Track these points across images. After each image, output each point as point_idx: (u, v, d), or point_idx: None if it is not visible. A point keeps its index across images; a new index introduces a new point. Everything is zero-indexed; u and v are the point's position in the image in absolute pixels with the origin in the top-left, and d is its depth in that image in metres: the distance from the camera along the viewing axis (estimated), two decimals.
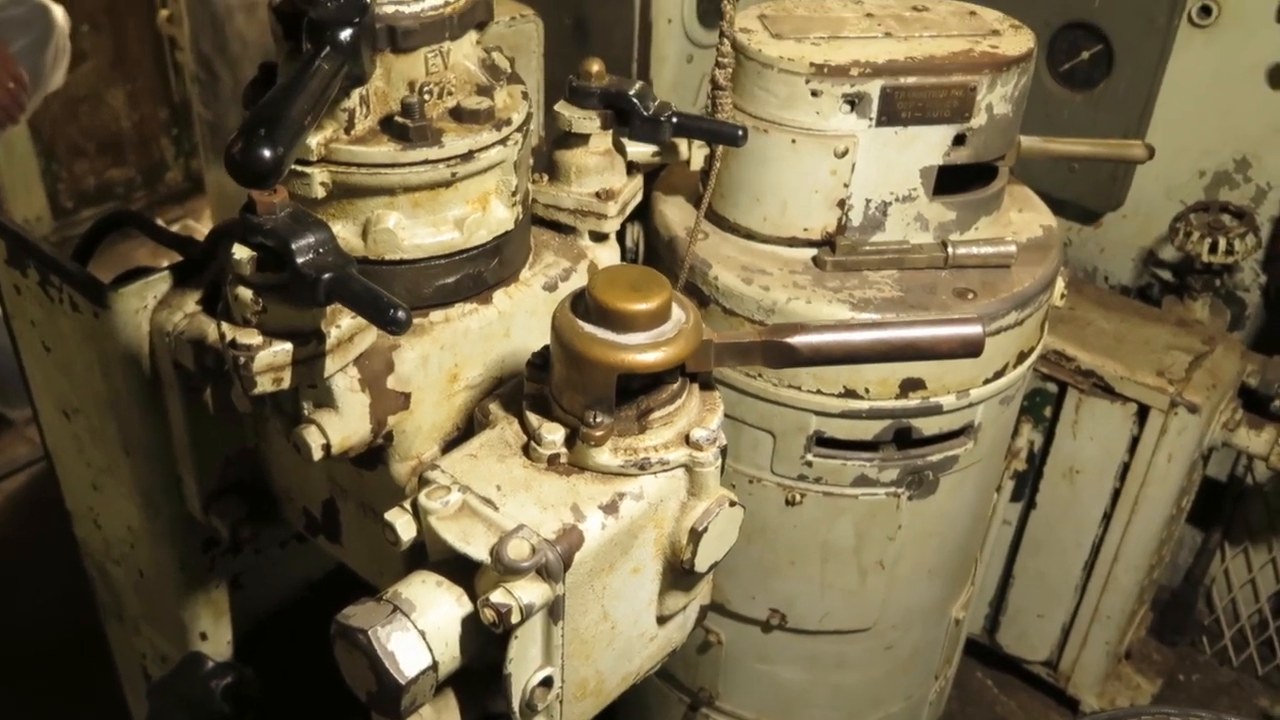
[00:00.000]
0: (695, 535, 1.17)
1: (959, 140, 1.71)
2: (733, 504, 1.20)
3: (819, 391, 1.73)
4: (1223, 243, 2.49)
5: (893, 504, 1.83)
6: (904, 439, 1.78)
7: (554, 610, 1.10)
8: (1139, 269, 2.91)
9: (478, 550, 1.07)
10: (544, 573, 1.07)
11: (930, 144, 1.70)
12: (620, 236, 1.83)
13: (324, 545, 1.46)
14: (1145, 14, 2.59)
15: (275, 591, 1.75)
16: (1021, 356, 1.82)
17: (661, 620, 1.27)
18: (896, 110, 1.66)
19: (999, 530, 2.57)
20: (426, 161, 1.17)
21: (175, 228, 4.85)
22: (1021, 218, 1.91)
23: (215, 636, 1.68)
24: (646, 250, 1.91)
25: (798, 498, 1.83)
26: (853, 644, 2.03)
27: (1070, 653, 2.82)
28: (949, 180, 1.75)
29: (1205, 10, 2.55)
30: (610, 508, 1.11)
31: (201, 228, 4.81)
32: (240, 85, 2.56)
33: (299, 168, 1.15)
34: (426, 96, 1.18)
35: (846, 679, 2.10)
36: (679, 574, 1.22)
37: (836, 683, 2.11)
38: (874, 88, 1.64)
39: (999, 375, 1.78)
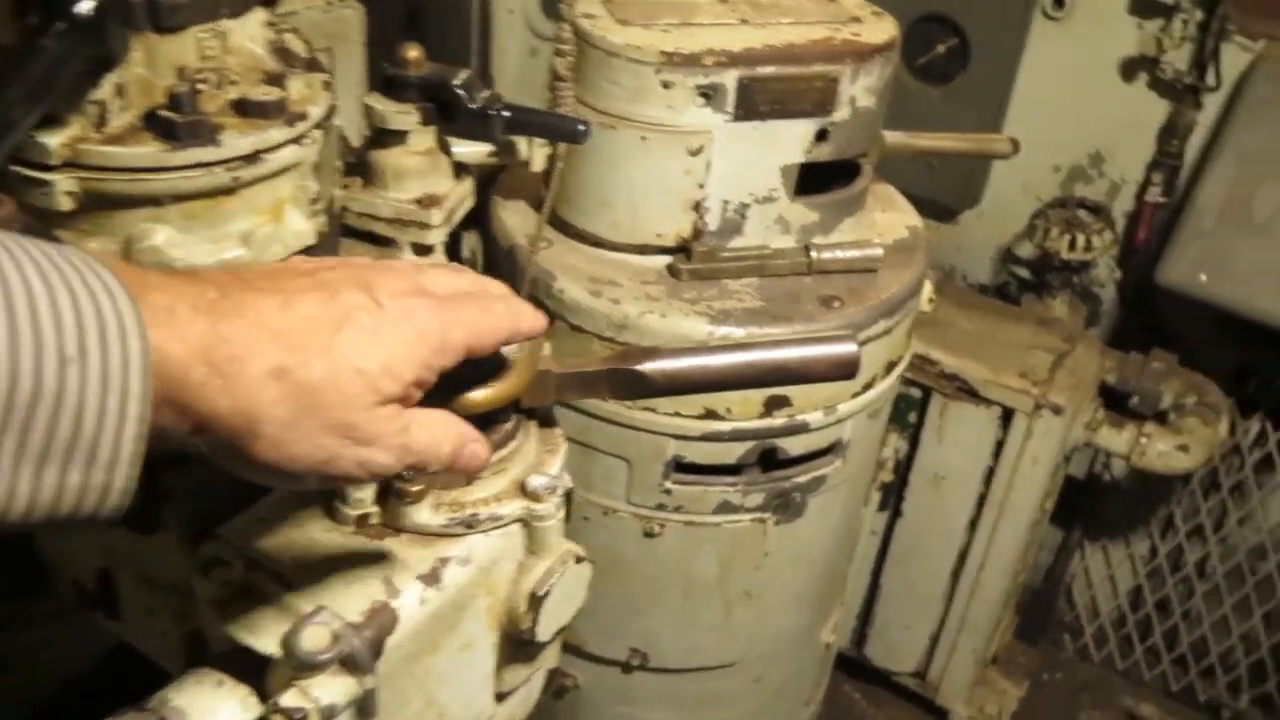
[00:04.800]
0: (536, 601, 1.00)
1: (821, 136, 1.57)
2: (579, 559, 1.03)
3: (677, 413, 1.57)
4: (1081, 239, 2.45)
5: (759, 530, 1.69)
6: (769, 461, 1.64)
7: (364, 708, 0.91)
8: (997, 267, 2.85)
9: (266, 642, 0.88)
10: (349, 664, 0.88)
11: (791, 140, 1.56)
12: (454, 247, 1.65)
13: (102, 622, 1.24)
14: (1000, 6, 2.53)
15: (58, 669, 1.51)
16: (890, 366, 1.70)
17: (501, 697, 1.10)
18: (755, 103, 1.52)
19: (865, 542, 2.47)
20: (200, 164, 0.97)
21: None
22: (886, 218, 1.79)
23: None
24: (485, 261, 1.72)
25: (657, 529, 1.68)
26: (720, 680, 1.89)
27: (939, 662, 2.75)
28: (810, 180, 1.61)
29: (1058, 2, 2.50)
30: (431, 577, 0.93)
31: None
32: None
33: (35, 174, 0.94)
34: (200, 86, 0.98)
35: (714, 716, 1.96)
36: (519, 644, 1.04)
37: None
38: (730, 79, 1.49)
39: (868, 388, 1.66)
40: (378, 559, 0.93)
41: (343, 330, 0.75)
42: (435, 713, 0.99)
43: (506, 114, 1.21)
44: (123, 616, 1.21)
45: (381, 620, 0.90)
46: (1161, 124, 2.48)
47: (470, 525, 0.96)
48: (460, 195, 1.27)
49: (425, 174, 1.23)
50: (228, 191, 0.99)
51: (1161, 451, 2.38)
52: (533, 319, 0.90)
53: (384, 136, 1.22)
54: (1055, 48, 2.55)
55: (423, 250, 1.25)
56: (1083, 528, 2.94)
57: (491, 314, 0.85)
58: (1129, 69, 2.49)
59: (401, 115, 1.20)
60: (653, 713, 1.94)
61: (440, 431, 0.83)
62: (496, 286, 0.92)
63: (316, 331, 0.74)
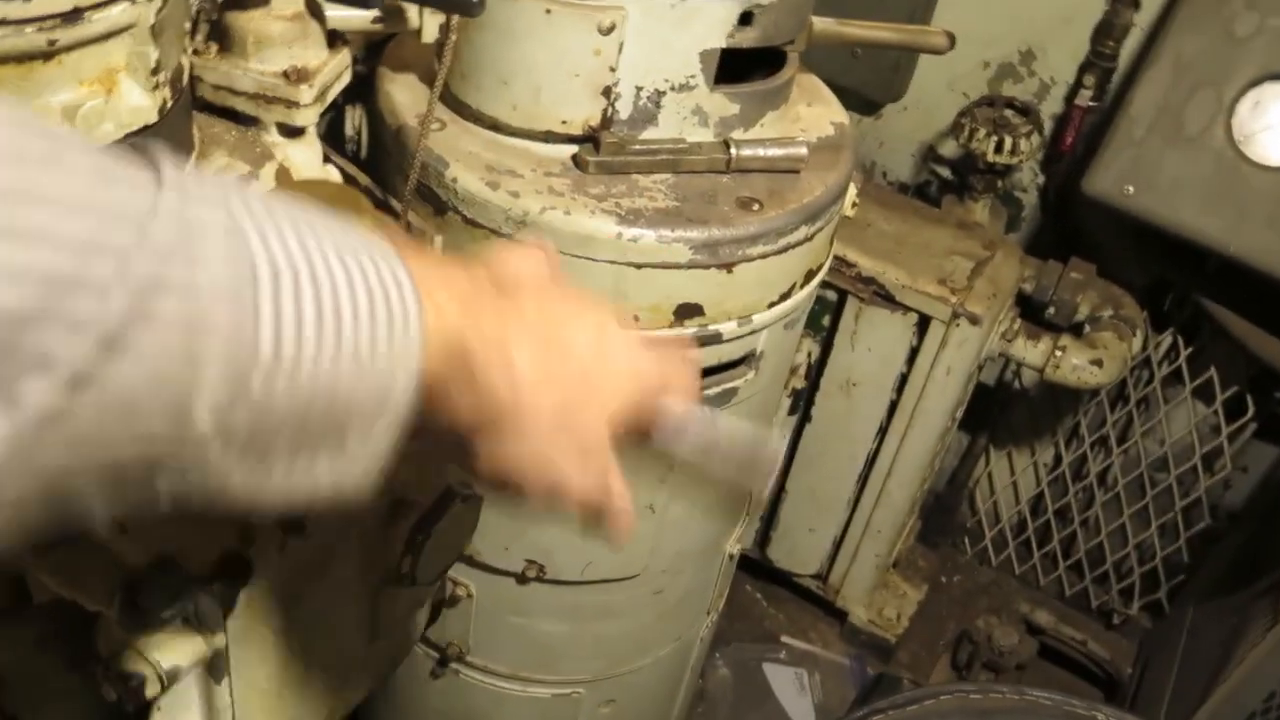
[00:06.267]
0: (414, 544, 0.88)
1: (745, 19, 1.43)
2: (465, 498, 0.92)
3: None
4: (1008, 141, 2.35)
5: None
6: None
7: (214, 668, 0.79)
8: (919, 165, 2.75)
9: (93, 597, 0.75)
10: (194, 622, 0.76)
11: (712, 22, 1.42)
12: (336, 125, 1.48)
13: None
14: None
15: None
16: (810, 275, 1.60)
17: (378, 636, 0.99)
18: None
19: None
20: (6, 23, 0.79)
21: None
22: (811, 112, 1.67)
23: None
24: (371, 141, 1.56)
25: None
26: (618, 592, 1.81)
27: (840, 566, 2.73)
28: (731, 68, 1.48)
29: None
30: (294, 524, 0.81)
31: None
32: None
33: None
34: None
35: (611, 628, 1.89)
36: (397, 585, 0.93)
37: (600, 632, 1.89)
38: None
39: (785, 298, 1.55)
40: None
41: (603, 334, 0.76)
42: (300, 667, 0.87)
43: None
44: None
45: (232, 570, 0.78)
46: (1097, 23, 2.38)
47: None
48: (335, 69, 1.11)
49: (293, 42, 1.06)
50: (45, 57, 0.82)
51: (1076, 365, 2.34)
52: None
53: None
54: None
55: (292, 131, 1.09)
56: (989, 434, 2.92)
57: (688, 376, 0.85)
58: None
59: None
60: (547, 623, 1.87)
61: (621, 482, 0.81)
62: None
63: (576, 331, 0.75)
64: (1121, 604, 2.92)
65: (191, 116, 1.01)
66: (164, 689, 0.76)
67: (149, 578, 0.75)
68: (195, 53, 1.04)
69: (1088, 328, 2.41)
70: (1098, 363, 2.34)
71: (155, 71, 0.90)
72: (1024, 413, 2.88)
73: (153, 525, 0.79)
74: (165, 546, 0.78)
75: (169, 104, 0.93)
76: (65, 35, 0.82)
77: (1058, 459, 2.88)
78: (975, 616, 2.91)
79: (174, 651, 0.75)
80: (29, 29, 0.80)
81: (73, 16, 0.82)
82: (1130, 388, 2.69)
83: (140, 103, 0.90)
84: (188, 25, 1.01)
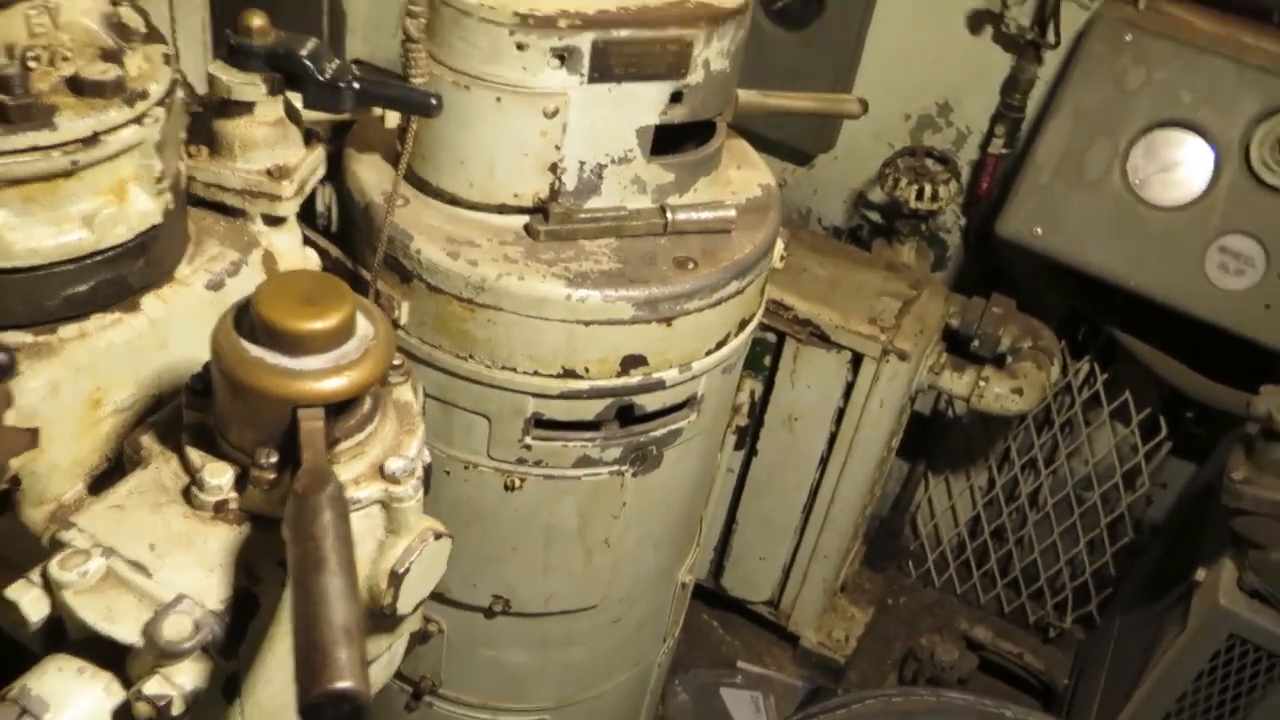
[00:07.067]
0: (396, 578, 1.02)
1: (676, 98, 1.59)
2: (438, 536, 1.06)
3: (536, 373, 1.60)
4: (928, 189, 2.53)
5: (616, 482, 1.74)
6: (626, 416, 1.69)
7: (228, 689, 0.93)
8: (850, 210, 2.94)
9: (127, 631, 0.89)
10: (212, 651, 0.90)
11: (646, 102, 1.58)
12: (310, 200, 1.62)
13: None
14: None
15: None
16: (743, 324, 1.76)
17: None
18: (610, 66, 1.53)
19: (723, 479, 2.56)
20: (35, 149, 0.94)
21: None
22: (740, 175, 1.83)
23: None
24: (340, 216, 1.71)
25: (517, 482, 1.71)
26: (579, 622, 1.95)
27: (790, 592, 2.88)
28: (665, 138, 1.64)
29: None
30: None
31: None
32: None
33: None
34: (32, 65, 0.95)
35: (575, 656, 2.02)
36: (379, 618, 1.07)
37: (565, 660, 2.03)
38: (585, 41, 1.50)
39: (721, 345, 1.71)
40: (237, 546, 0.94)
41: None
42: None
43: (356, 86, 1.19)
44: None
45: (244, 606, 0.92)
46: (1005, 77, 2.58)
47: None
48: (312, 164, 1.25)
49: (274, 144, 1.21)
50: (66, 174, 0.96)
51: (998, 394, 2.52)
52: None
53: (230, 107, 1.19)
54: None
55: (275, 220, 1.24)
56: (927, 460, 3.09)
57: None
58: (975, 21, 2.57)
59: (247, 86, 1.17)
60: (514, 653, 2.00)
61: None
62: None
63: None
64: (1056, 618, 3.09)
65: (187, 213, 1.15)
66: (188, 709, 0.90)
67: (175, 613, 0.89)
68: (189, 155, 1.19)
69: (1010, 358, 2.59)
70: (1018, 391, 2.52)
71: (159, 180, 1.04)
72: (958, 440, 3.05)
73: (171, 567, 0.93)
74: (185, 585, 0.92)
75: (171, 206, 1.07)
76: (84, 156, 0.96)
77: (991, 482, 3.06)
78: (920, 635, 3.07)
79: (195, 676, 0.89)
80: (55, 153, 0.94)
81: (91, 141, 0.96)
82: (1054, 412, 2.87)
83: (147, 207, 1.04)
84: (182, 135, 1.15)
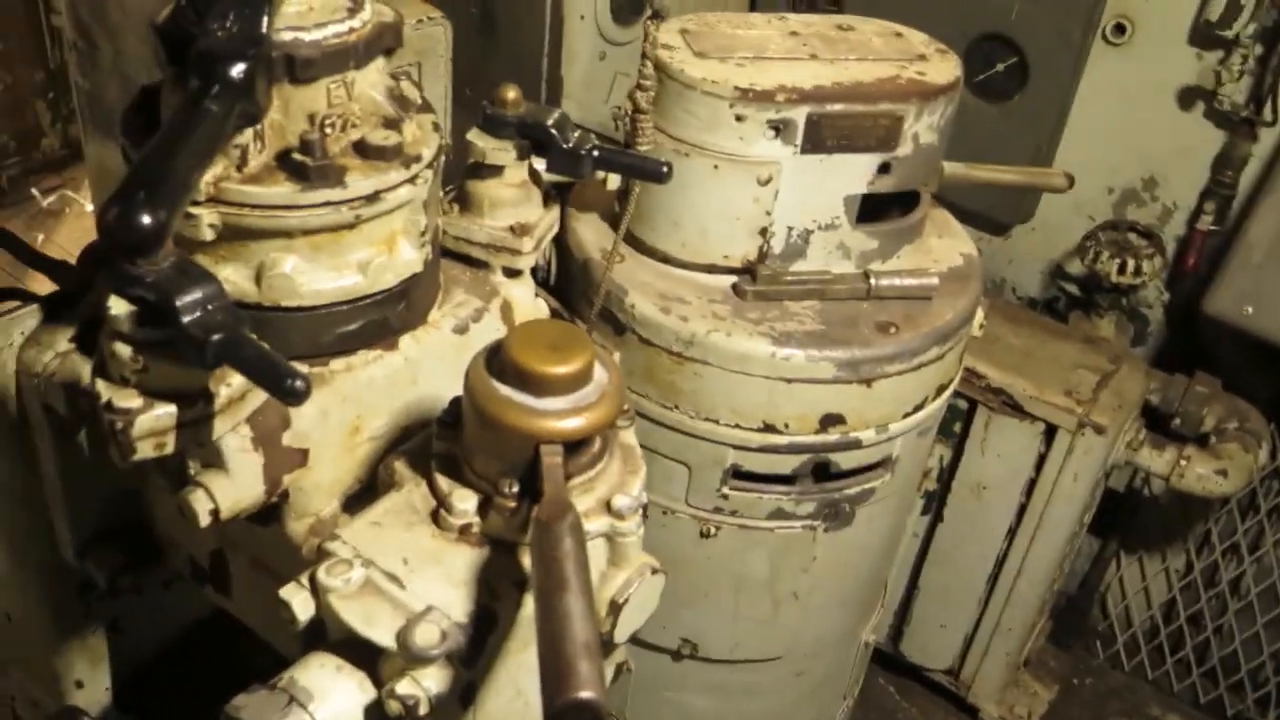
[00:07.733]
0: (615, 607, 1.10)
1: (884, 169, 1.66)
2: (655, 571, 1.13)
3: (737, 425, 1.67)
4: (1131, 263, 2.51)
5: (808, 536, 1.79)
6: (822, 473, 1.74)
7: (465, 697, 1.03)
8: (1046, 282, 2.92)
9: (383, 635, 0.99)
10: (455, 659, 0.99)
11: (855, 172, 1.65)
12: None
13: (212, 596, 1.36)
14: (1060, 29, 2.59)
15: (158, 633, 1.64)
16: (940, 389, 1.79)
17: None
18: (822, 138, 1.61)
19: (907, 543, 2.56)
20: (328, 204, 1.07)
21: (51, 198, 4.58)
22: (942, 244, 1.88)
23: (92, 684, 1.56)
24: (559, 270, 1.83)
25: (712, 530, 1.78)
26: (763, 672, 2.00)
27: (971, 662, 2.83)
28: (871, 205, 1.70)
29: (1120, 29, 2.55)
30: (526, 584, 1.04)
31: (81, 199, 4.53)
32: (121, 56, 2.39)
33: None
34: (328, 130, 1.08)
35: (756, 706, 2.07)
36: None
37: (745, 710, 2.07)
38: (800, 114, 1.59)
39: (918, 409, 1.75)
40: (479, 565, 1.04)
41: None
42: (522, 702, 1.10)
43: (596, 154, 1.30)
44: (233, 594, 1.33)
45: (483, 620, 1.01)
46: (1216, 154, 2.53)
47: None
48: (549, 222, 1.37)
49: (519, 204, 1.33)
50: (350, 226, 1.09)
51: (1201, 475, 2.45)
52: None
53: (482, 169, 1.32)
54: (1114, 72, 2.60)
55: (513, 273, 1.35)
56: (1120, 539, 3.01)
57: None
58: (1186, 98, 2.54)
59: (499, 152, 1.30)
60: (697, 698, 2.05)
61: None
62: None
63: None
64: (1258, 712, 2.94)
65: (440, 264, 1.27)
66: (432, 710, 0.99)
67: (425, 622, 0.99)
68: (443, 212, 1.32)
69: (1213, 439, 2.51)
70: (1223, 473, 2.44)
71: (423, 234, 1.17)
72: (1154, 519, 2.96)
73: (421, 580, 1.03)
74: (433, 598, 1.02)
75: (430, 257, 1.19)
76: (366, 211, 1.09)
77: (1189, 565, 2.95)
78: (1107, 719, 2.97)
79: (439, 681, 0.98)
80: (344, 208, 1.08)
81: (373, 198, 1.09)
82: (1261, 498, 2.76)
83: (411, 257, 1.16)
84: (441, 194, 1.28)
